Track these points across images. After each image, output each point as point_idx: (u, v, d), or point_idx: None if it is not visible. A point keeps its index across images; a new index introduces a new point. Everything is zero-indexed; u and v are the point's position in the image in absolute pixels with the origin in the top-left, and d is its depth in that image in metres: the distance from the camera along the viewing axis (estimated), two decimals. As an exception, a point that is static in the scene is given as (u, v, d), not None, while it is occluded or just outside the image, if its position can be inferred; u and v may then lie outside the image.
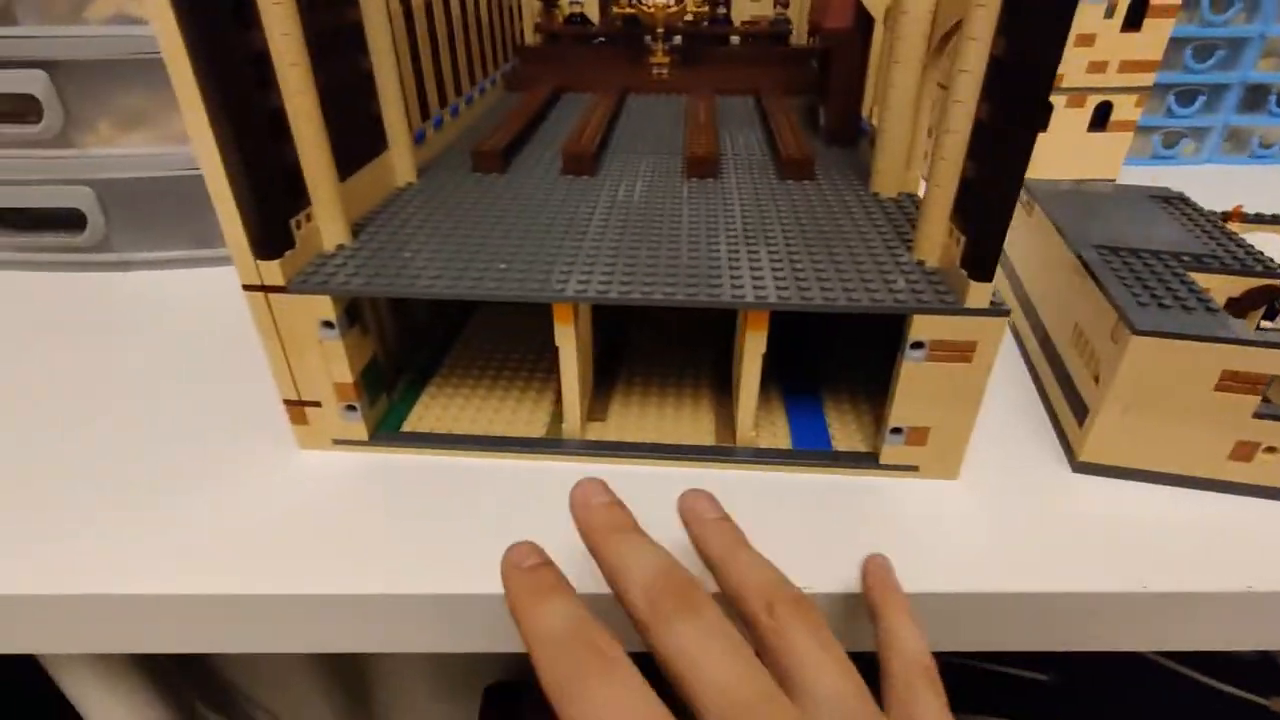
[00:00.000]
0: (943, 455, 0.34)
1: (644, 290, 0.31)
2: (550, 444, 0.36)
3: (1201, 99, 0.76)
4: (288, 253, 0.32)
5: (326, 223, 0.34)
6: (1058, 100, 0.70)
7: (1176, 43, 0.74)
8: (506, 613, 0.21)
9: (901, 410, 0.33)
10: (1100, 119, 0.71)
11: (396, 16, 0.42)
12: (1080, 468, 0.35)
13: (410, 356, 0.43)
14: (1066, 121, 0.71)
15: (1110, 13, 0.65)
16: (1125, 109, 0.70)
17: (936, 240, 0.33)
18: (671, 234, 0.37)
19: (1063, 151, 0.72)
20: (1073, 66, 0.68)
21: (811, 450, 0.36)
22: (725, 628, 0.19)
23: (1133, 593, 0.29)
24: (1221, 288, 0.38)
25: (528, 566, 0.22)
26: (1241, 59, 0.74)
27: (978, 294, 0.29)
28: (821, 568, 0.30)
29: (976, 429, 0.37)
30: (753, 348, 0.33)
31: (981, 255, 0.29)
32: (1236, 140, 0.80)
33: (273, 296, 0.32)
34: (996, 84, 0.28)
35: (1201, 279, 0.37)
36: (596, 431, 0.38)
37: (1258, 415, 0.31)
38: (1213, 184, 0.75)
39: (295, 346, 0.34)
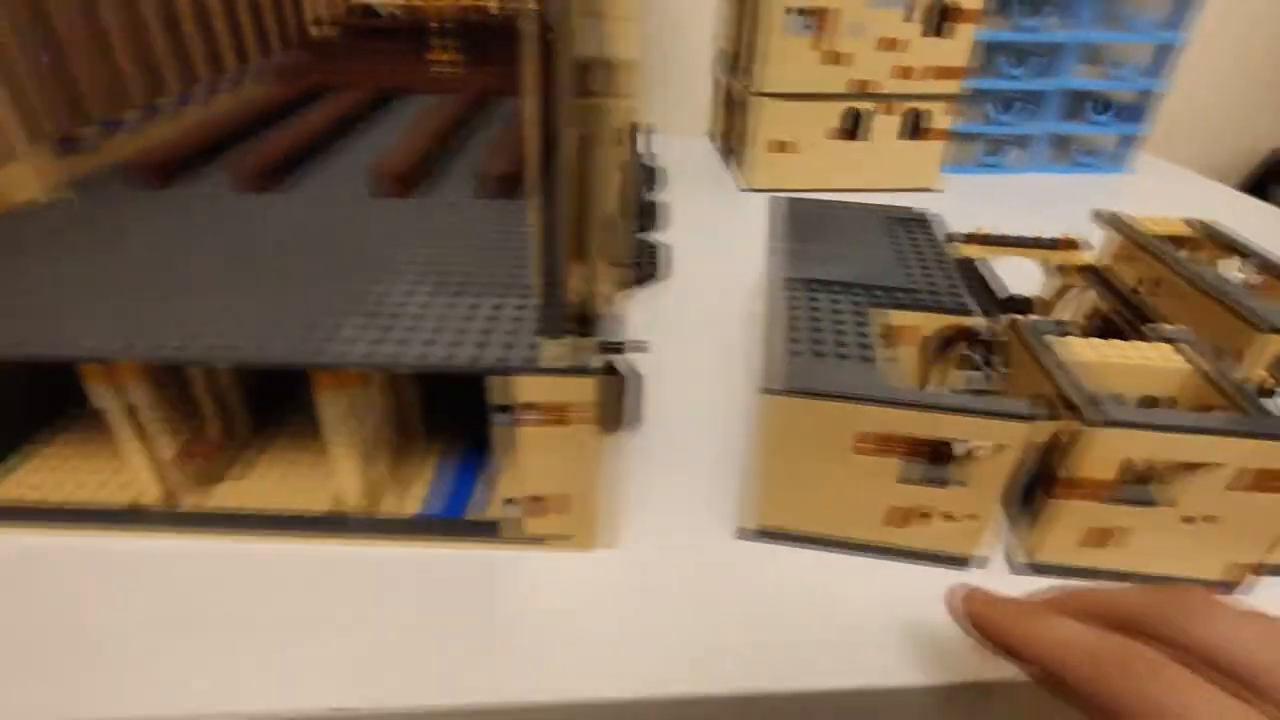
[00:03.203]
0: (573, 525, 0.30)
1: (206, 349, 0.26)
2: (117, 516, 0.30)
3: (1021, 106, 0.74)
4: None
5: None
6: (871, 106, 0.67)
7: (993, 48, 0.72)
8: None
9: (510, 479, 0.28)
10: (913, 127, 0.68)
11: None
12: (742, 533, 0.31)
13: None
14: (881, 129, 0.68)
15: (910, 16, 0.63)
16: (937, 116, 0.68)
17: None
18: (302, 270, 0.31)
19: (879, 160, 0.69)
20: (880, 71, 0.65)
21: (437, 519, 0.31)
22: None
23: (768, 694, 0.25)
24: (919, 325, 0.34)
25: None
26: (1059, 65, 0.72)
27: (553, 353, 0.25)
28: (414, 672, 0.25)
29: (664, 491, 0.34)
30: (330, 412, 0.28)
31: (547, 312, 0.24)
32: (1061, 148, 0.79)
33: None
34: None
35: (898, 316, 0.34)
36: (214, 497, 0.32)
37: (903, 480, 0.28)
38: (1029, 193, 0.73)
39: None
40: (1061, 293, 0.43)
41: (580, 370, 0.25)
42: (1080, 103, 0.76)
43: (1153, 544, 0.28)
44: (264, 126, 0.50)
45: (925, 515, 0.29)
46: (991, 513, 0.28)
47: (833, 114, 0.67)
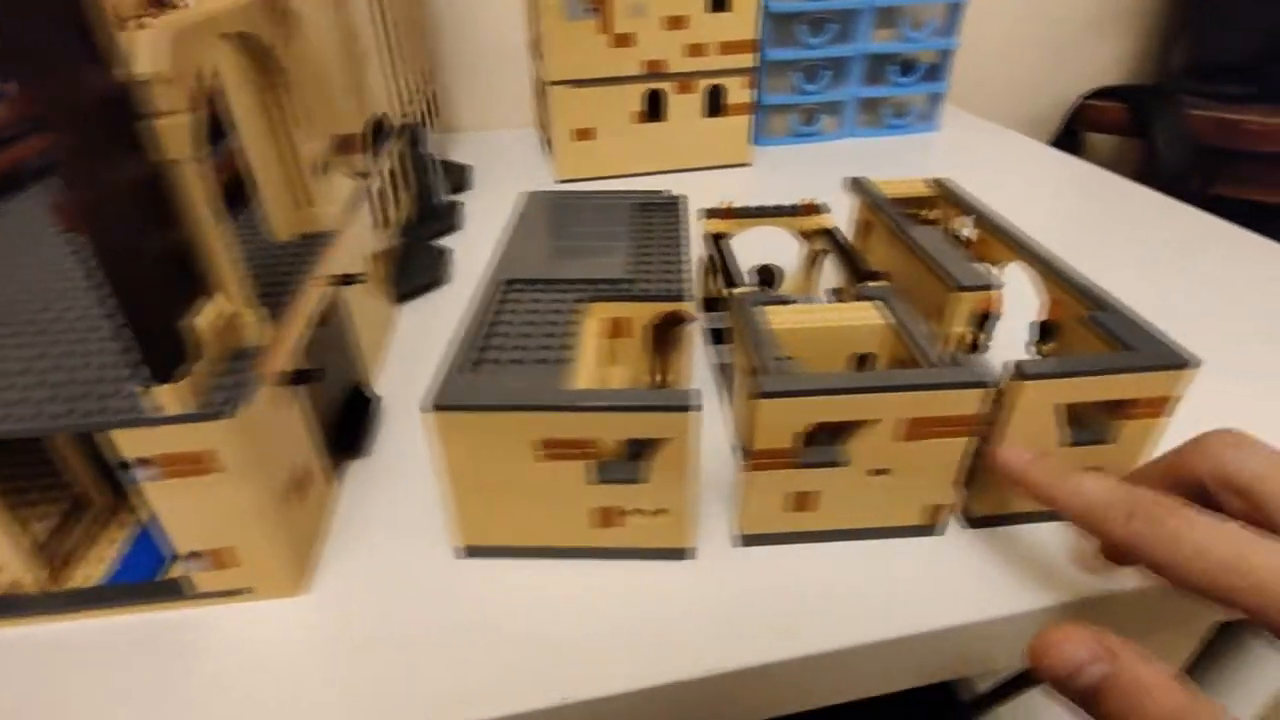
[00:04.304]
0: (269, 572, 0.28)
1: None
2: None
3: (827, 74, 0.76)
4: None
5: None
6: (668, 87, 0.66)
7: (787, 19, 0.72)
8: None
9: (179, 534, 0.26)
10: (715, 104, 0.69)
11: None
12: (464, 552, 0.30)
13: None
14: (682, 109, 0.68)
15: (692, -8, 0.62)
16: (736, 91, 0.68)
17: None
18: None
19: (684, 140, 0.69)
20: (672, 51, 0.65)
21: (123, 585, 0.28)
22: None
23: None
24: (639, 315, 0.34)
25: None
26: (856, 31, 0.74)
27: (165, 398, 0.23)
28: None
29: (393, 517, 0.33)
30: (-47, 485, 0.25)
31: (147, 357, 0.22)
32: (872, 112, 0.81)
33: None
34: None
35: (616, 309, 0.34)
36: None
37: (601, 480, 0.27)
38: (841, 158, 0.74)
39: None
40: (814, 258, 0.44)
41: (209, 415, 0.23)
42: (884, 66, 0.78)
43: (852, 500, 0.29)
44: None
45: (629, 513, 0.28)
46: (686, 501, 0.28)
47: (631, 97, 0.66)
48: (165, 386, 0.23)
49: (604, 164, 0.68)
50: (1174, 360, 0.27)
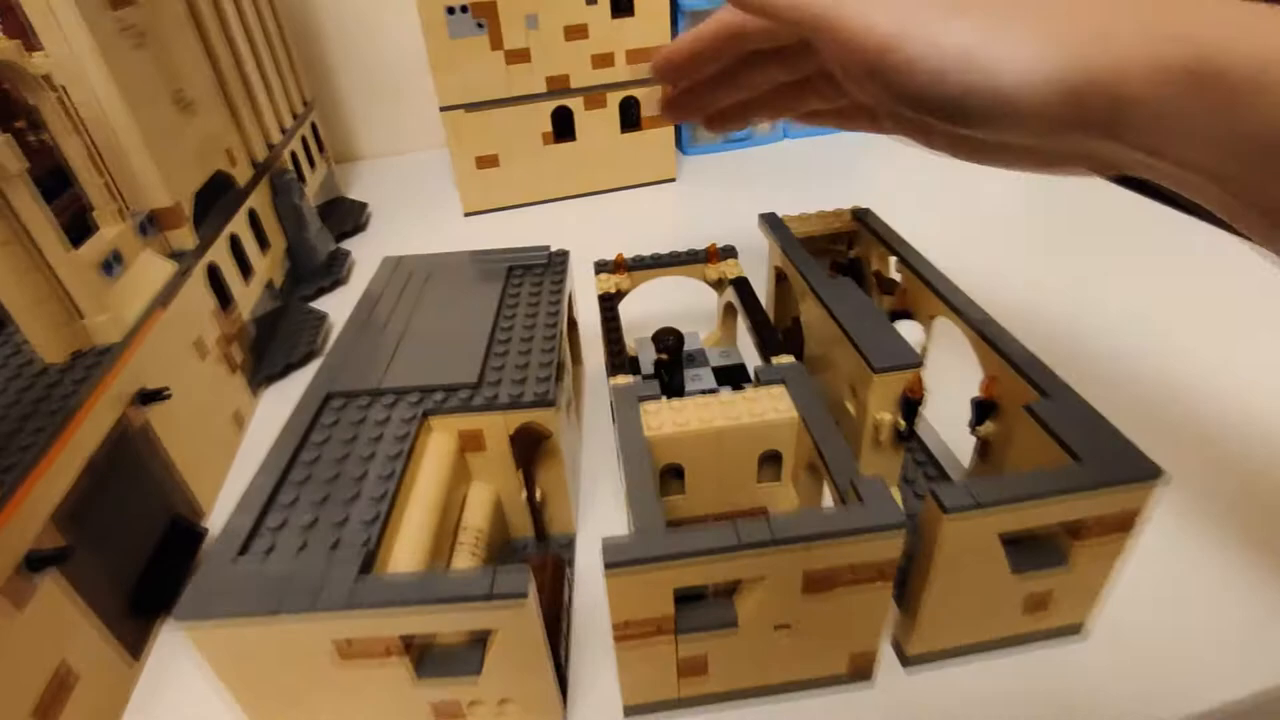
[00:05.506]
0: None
1: None
2: None
3: (755, 73, 0.69)
4: None
5: None
6: (576, 103, 0.60)
7: (701, 17, 0.66)
8: None
9: None
10: (630, 118, 0.62)
11: None
12: (283, 752, 0.24)
13: None
14: (594, 126, 0.61)
15: (592, -1, 0.56)
16: (653, 102, 0.62)
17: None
18: None
19: (602, 159, 0.63)
20: (577, 64, 0.58)
21: None
22: None
23: None
24: (495, 426, 0.28)
25: None
26: (783, 25, 0.68)
27: None
28: None
29: (205, 696, 0.26)
30: None
31: None
32: (809, 110, 0.75)
33: None
34: None
35: (462, 421, 0.27)
36: None
37: (424, 677, 0.21)
38: (777, 164, 0.68)
39: None
40: (730, 312, 0.38)
41: None
42: (816, 60, 0.72)
43: (755, 659, 0.23)
44: None
45: (470, 705, 0.22)
46: (535, 687, 0.22)
47: (536, 117, 0.59)
48: None
49: (513, 192, 0.62)
50: (1133, 473, 0.21)
